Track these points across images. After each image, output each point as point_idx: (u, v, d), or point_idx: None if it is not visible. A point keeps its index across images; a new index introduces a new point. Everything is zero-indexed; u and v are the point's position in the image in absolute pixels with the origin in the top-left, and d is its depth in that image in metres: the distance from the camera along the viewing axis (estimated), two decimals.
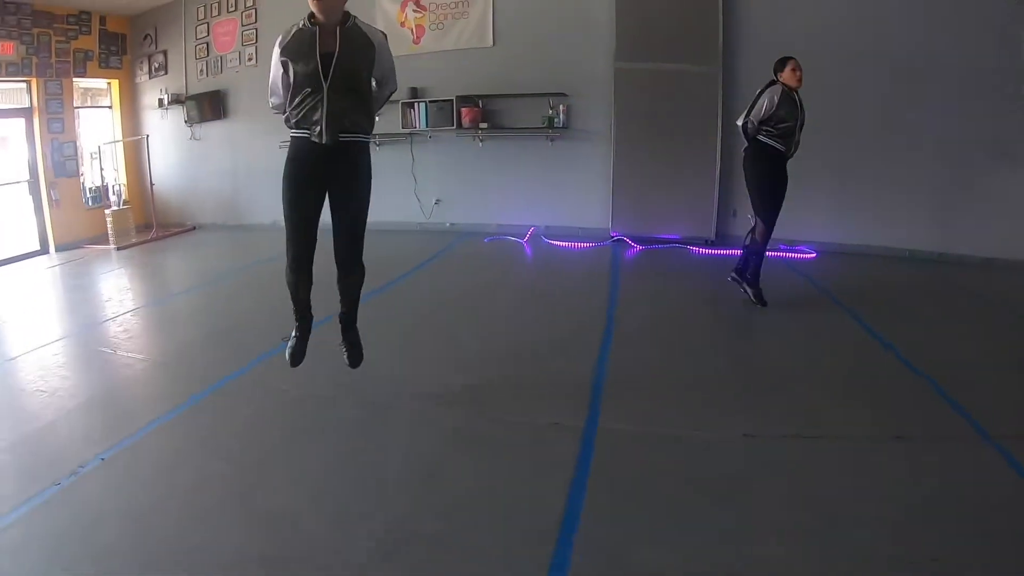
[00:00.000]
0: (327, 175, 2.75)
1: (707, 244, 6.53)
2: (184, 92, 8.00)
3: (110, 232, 7.22)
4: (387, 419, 2.92)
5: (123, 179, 8.15)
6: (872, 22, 5.99)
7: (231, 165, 8.04)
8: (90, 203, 7.64)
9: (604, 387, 3.19)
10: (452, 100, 6.92)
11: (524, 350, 3.71)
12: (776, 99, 4.13)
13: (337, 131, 2.68)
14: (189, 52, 7.95)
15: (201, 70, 7.94)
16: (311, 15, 2.65)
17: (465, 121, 6.91)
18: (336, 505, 2.27)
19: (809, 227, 5.71)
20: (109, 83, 8.12)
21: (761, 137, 4.27)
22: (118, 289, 5.54)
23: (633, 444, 2.65)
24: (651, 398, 3.08)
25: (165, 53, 8.04)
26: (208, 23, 7.82)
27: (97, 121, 8.13)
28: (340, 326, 3.03)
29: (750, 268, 4.53)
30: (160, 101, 8.05)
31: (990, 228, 5.98)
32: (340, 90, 2.65)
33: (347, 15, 2.69)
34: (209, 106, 7.87)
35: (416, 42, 7.09)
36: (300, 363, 3.00)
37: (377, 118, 2.94)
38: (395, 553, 2.01)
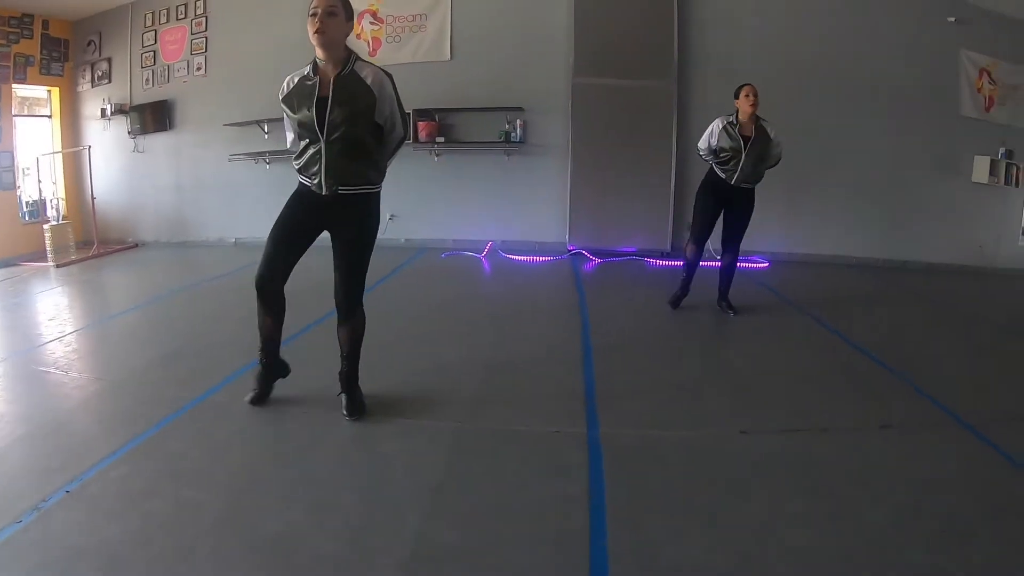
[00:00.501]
0: (328, 221, 2.76)
1: (663, 256, 6.69)
2: (128, 102, 7.64)
3: (48, 248, 6.78)
4: (378, 432, 2.82)
5: (62, 193, 7.72)
6: (820, 40, 6.33)
7: (176, 179, 7.73)
8: (27, 218, 7.24)
9: (596, 394, 3.21)
10: (409, 114, 6.83)
11: (506, 362, 3.69)
12: (716, 130, 4.36)
13: (336, 184, 2.66)
14: (135, 60, 7.61)
15: (147, 79, 7.61)
16: (315, 60, 2.62)
17: (422, 135, 6.88)
18: (341, 521, 2.14)
19: (761, 238, 5.92)
20: (49, 91, 7.70)
21: (711, 162, 4.50)
22: (60, 308, 5.20)
23: (638, 447, 2.67)
24: (644, 402, 3.12)
25: (109, 61, 7.67)
26: (156, 30, 7.53)
27: (35, 131, 7.66)
28: (340, 383, 2.97)
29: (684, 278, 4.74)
30: (103, 111, 7.67)
31: (932, 235, 6.39)
32: (338, 142, 2.61)
33: (348, 57, 2.64)
34: (154, 117, 7.55)
35: (372, 54, 7.01)
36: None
37: (389, 165, 2.89)
38: (421, 570, 1.92)
